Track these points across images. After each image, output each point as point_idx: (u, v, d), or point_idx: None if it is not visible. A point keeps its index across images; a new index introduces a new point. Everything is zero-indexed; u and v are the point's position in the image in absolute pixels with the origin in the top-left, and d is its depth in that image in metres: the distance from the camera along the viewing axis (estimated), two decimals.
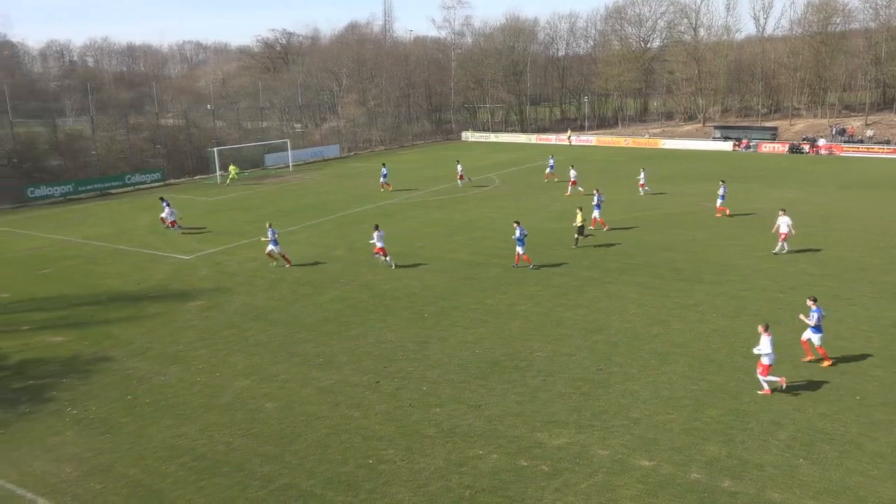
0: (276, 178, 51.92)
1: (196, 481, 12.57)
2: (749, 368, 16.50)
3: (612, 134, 78.15)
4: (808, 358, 16.98)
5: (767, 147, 63.45)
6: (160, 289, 24.48)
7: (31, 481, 12.67)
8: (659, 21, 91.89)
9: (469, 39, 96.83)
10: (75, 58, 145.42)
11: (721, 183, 34.66)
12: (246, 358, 18.15)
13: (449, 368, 17.09)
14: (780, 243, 26.81)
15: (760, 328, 15.42)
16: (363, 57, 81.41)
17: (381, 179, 44.10)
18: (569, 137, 74.96)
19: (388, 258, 26.07)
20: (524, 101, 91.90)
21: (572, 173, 41.22)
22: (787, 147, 62.20)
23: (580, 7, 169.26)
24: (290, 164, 57.60)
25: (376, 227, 26.22)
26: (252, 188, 47.39)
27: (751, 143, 64.54)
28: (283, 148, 58.85)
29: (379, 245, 25.79)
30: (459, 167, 45.24)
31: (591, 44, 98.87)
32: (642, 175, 40.88)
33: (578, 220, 28.52)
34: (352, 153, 68.11)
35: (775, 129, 70.21)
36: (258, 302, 22.65)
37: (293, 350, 18.57)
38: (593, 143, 72.03)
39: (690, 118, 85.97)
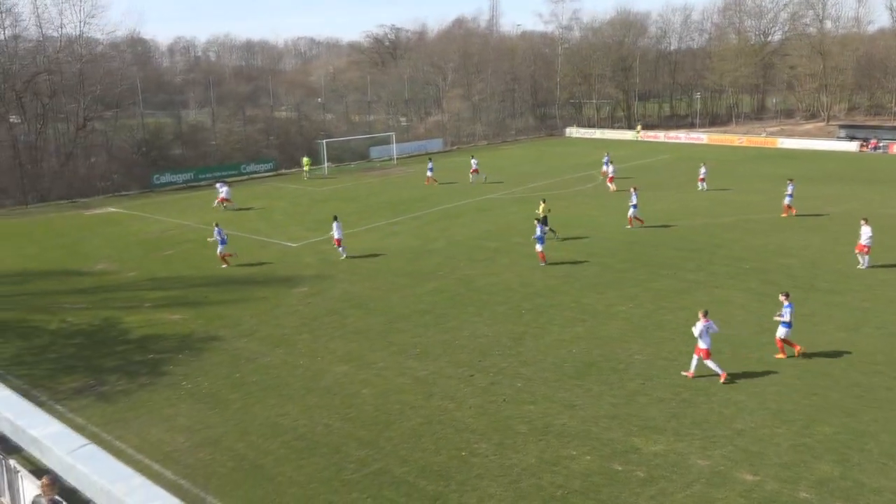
0: (381, 171, 53.10)
1: (296, 459, 13.10)
2: (870, 385, 15.39)
3: (724, 132, 74.69)
4: (798, 350, 17.10)
5: None
6: (267, 274, 25.63)
7: (148, 448, 13.61)
8: (781, 13, 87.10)
9: (577, 34, 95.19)
10: (199, 53, 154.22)
11: (789, 182, 33.39)
12: (345, 344, 18.71)
13: (543, 366, 16.94)
14: (864, 257, 24.17)
15: (700, 314, 16.02)
16: (469, 51, 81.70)
17: (428, 174, 44.96)
18: (637, 132, 72.83)
19: (341, 248, 27.41)
20: (632, 97, 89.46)
21: (610, 168, 41.71)
22: None
23: None
24: (395, 157, 58.74)
25: (335, 218, 27.62)
26: (357, 179, 48.70)
27: (880, 144, 59.94)
28: (387, 141, 60.08)
29: (336, 236, 27.17)
30: (474, 161, 45.54)
31: (706, 37, 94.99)
32: (703, 170, 40.60)
33: (541, 211, 29.27)
34: (455, 147, 68.64)
35: None
36: (358, 290, 23.28)
37: (391, 339, 18.97)
38: (704, 142, 69.11)
39: (812, 116, 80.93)
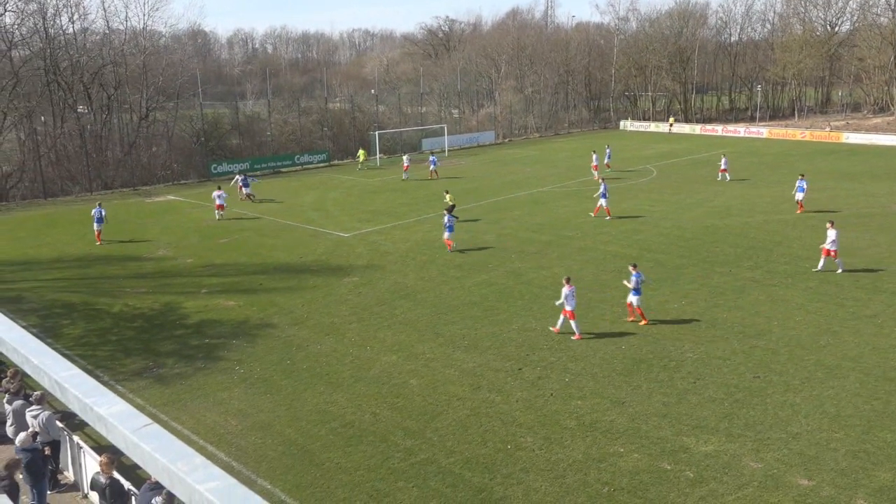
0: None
1: (343, 446, 13.32)
2: None
3: (786, 126, 72.28)
4: (630, 319, 19.16)
5: None
6: (320, 263, 26.04)
7: (203, 430, 14.04)
8: (850, 2, 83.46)
9: (633, 25, 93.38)
10: (257, 45, 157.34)
11: (800, 176, 33.12)
12: (394, 335, 18.89)
13: (592, 362, 16.78)
14: (822, 259, 23.22)
15: (564, 280, 18.31)
16: (523, 43, 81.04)
17: (431, 167, 44.36)
18: (670, 125, 71.29)
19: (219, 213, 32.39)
20: (689, 90, 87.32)
21: (596, 157, 42.84)
22: None
23: None
24: (446, 149, 58.81)
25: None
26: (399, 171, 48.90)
27: None
28: (439, 133, 60.17)
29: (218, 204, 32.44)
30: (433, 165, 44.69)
31: (769, 28, 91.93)
32: (723, 161, 41.11)
33: (448, 200, 30.99)
34: (506, 140, 68.29)
35: None
36: (408, 282, 23.45)
37: (439, 330, 19.06)
38: (764, 136, 67.04)
39: (881, 110, 77.61)
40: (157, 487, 9.32)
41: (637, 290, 18.90)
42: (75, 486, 12.52)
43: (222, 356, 17.75)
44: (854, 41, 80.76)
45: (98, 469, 10.59)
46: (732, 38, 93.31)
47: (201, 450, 13.02)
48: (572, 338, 18.04)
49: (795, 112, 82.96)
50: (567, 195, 38.08)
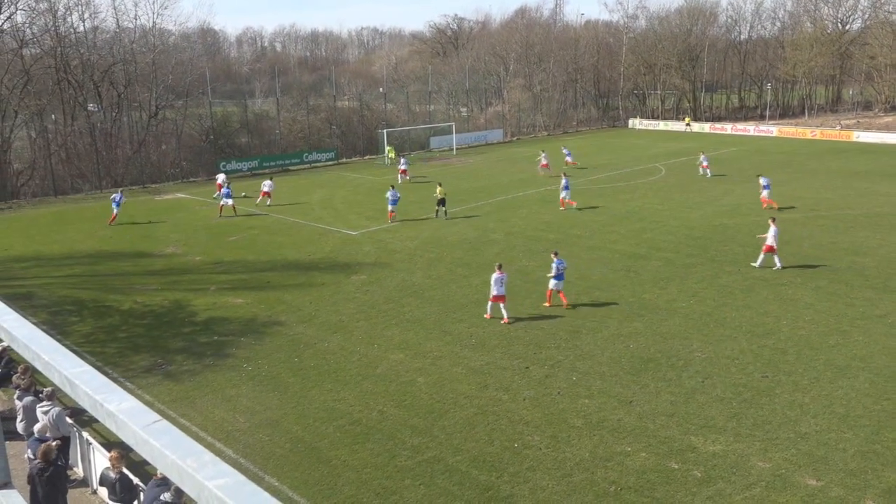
0: (440, 161, 53.22)
1: (351, 444, 13.36)
2: None
3: (796, 125, 71.86)
4: (547, 304, 20.41)
5: None
6: (328, 261, 26.10)
7: (211, 427, 14.11)
8: (862, 0, 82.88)
9: (643, 23, 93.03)
10: (266, 43, 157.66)
11: (759, 176, 34.76)
12: (401, 332, 18.92)
13: (600, 360, 16.76)
14: (775, 258, 23.38)
15: (496, 266, 19.56)
16: (531, 41, 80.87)
17: (402, 167, 43.73)
18: (687, 124, 71.30)
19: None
20: (699, 88, 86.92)
21: (545, 156, 44.02)
22: None
23: None
24: (455, 148, 58.79)
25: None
26: (417, 170, 48.91)
27: None
28: (448, 131, 60.16)
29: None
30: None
31: (779, 26, 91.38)
32: (703, 158, 42.78)
33: (438, 193, 32.29)
34: (515, 138, 68.21)
35: None
36: (416, 280, 23.48)
37: (446, 328, 19.08)
38: (774, 135, 66.67)
39: (892, 109, 77.09)
40: (164, 483, 9.39)
41: (559, 276, 20.10)
42: (84, 482, 12.62)
43: (231, 353, 17.82)
44: (865, 39, 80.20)
45: (107, 465, 10.67)
46: (742, 36, 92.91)
47: (210, 446, 13.08)
48: (501, 321, 19.14)
49: (806, 110, 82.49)
50: (575, 193, 37.95)
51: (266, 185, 36.59)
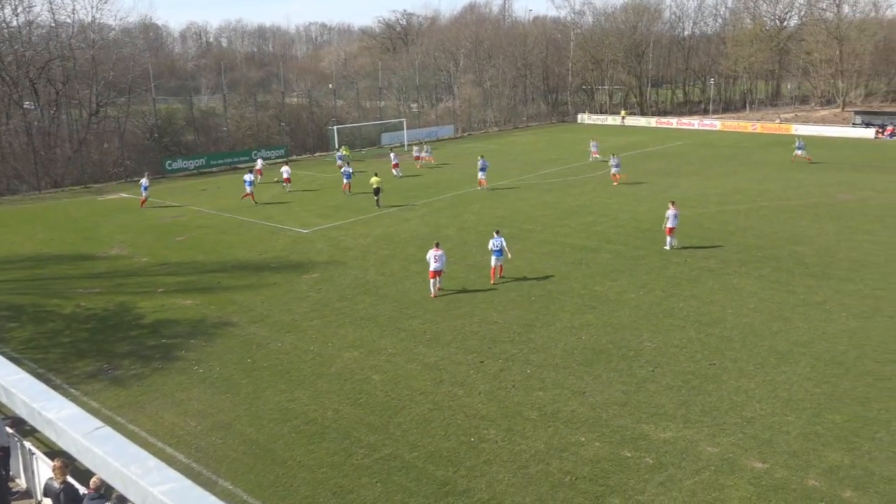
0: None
1: (306, 444, 13.22)
2: (882, 374, 15.32)
3: (738, 118, 74.00)
4: (493, 281, 22.15)
5: None
6: (279, 260, 25.74)
7: (161, 431, 13.78)
8: None
9: (590, 19, 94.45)
10: (211, 39, 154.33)
11: (612, 155, 40.31)
12: (356, 330, 18.80)
13: (553, 353, 16.96)
14: (667, 239, 25.45)
15: (434, 245, 21.24)
16: (481, 37, 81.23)
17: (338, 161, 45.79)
18: (623, 117, 73.28)
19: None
20: (645, 83, 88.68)
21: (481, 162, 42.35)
22: None
23: None
24: (406, 144, 58.65)
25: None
26: (368, 166, 48.62)
27: None
28: (399, 127, 59.97)
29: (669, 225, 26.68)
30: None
31: (721, 22, 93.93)
32: (593, 144, 47.66)
33: (374, 182, 33.79)
34: (466, 133, 68.44)
35: None
36: (369, 277, 23.35)
37: (401, 325, 19.04)
38: (717, 128, 68.51)
39: (828, 102, 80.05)
40: (100, 496, 9.04)
41: (498, 252, 21.90)
42: (28, 494, 12.17)
43: (180, 356, 17.43)
44: (802, 35, 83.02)
45: (51, 475, 10.31)
46: (686, 33, 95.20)
47: (159, 452, 12.79)
48: (430, 296, 20.92)
49: (747, 105, 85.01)
50: (527, 188, 38.35)
51: (285, 171, 39.66)
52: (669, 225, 25.23)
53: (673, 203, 25.93)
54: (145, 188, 36.09)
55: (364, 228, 29.96)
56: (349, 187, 38.25)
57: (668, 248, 25.32)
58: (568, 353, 16.91)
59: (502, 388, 15.26)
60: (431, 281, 21.21)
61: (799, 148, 46.33)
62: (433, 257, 20.98)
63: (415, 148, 50.45)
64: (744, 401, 14.40)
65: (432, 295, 21.04)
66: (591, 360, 16.50)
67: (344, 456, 12.79)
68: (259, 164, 43.70)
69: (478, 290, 21.61)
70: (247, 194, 35.89)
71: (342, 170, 39.95)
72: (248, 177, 36.59)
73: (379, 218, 31.92)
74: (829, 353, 16.60)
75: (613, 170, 38.57)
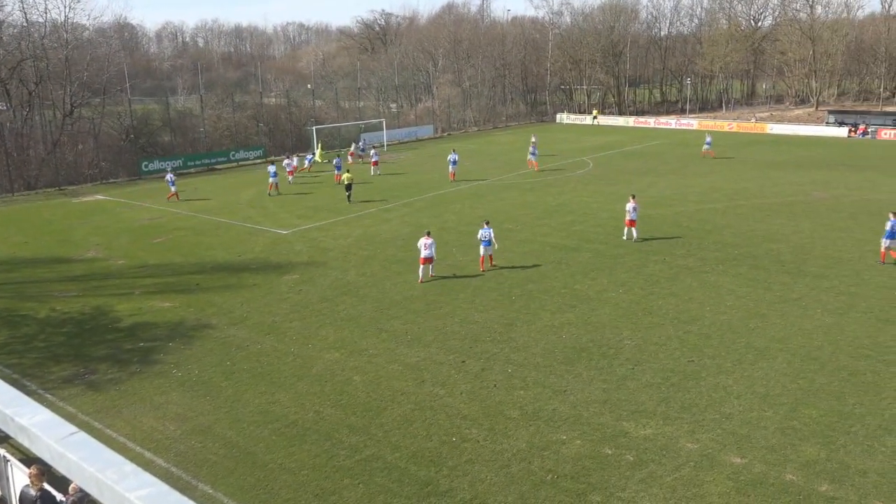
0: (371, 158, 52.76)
1: (287, 446, 13.14)
2: (856, 369, 15.57)
3: (715, 118, 74.84)
4: (483, 269, 23.18)
5: (888, 133, 59.06)
6: (259, 261, 25.56)
7: (139, 436, 13.61)
8: None
9: (567, 19, 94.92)
10: (187, 39, 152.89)
11: (532, 141, 46.16)
12: (336, 331, 18.72)
13: (534, 352, 17.02)
14: (625, 230, 26.75)
15: (426, 234, 22.48)
16: (459, 37, 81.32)
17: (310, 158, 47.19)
18: (594, 117, 74.22)
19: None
20: (623, 83, 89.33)
21: (453, 156, 42.05)
22: None
23: None
24: (385, 144, 58.50)
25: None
26: (346, 166, 48.42)
27: (869, 130, 60.23)
28: (378, 128, 59.81)
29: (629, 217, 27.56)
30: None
31: (697, 23, 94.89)
32: (533, 139, 48.64)
33: (345, 179, 35.61)
34: (445, 133, 68.43)
35: None
36: (350, 278, 23.27)
37: (382, 326, 18.99)
38: (694, 128, 69.20)
39: (802, 102, 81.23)
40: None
41: (486, 242, 22.96)
42: (3, 501, 11.96)
43: (158, 359, 17.23)
44: (776, 35, 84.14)
45: (27, 482, 10.13)
46: (663, 33, 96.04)
47: (138, 457, 12.63)
48: (418, 282, 22.05)
49: (723, 104, 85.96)
50: (507, 187, 38.44)
51: (291, 163, 41.57)
52: (629, 218, 26.41)
53: (633, 197, 26.94)
54: (172, 182, 37.12)
55: (344, 229, 29.85)
56: (340, 178, 39.64)
57: (625, 238, 26.61)
58: (549, 352, 16.98)
59: (484, 387, 15.28)
60: (422, 267, 22.28)
61: (707, 144, 49.36)
62: (423, 245, 22.09)
63: (353, 145, 51.07)
64: (722, 397, 14.56)
65: (420, 280, 22.13)
66: (571, 359, 16.57)
67: (326, 458, 12.73)
68: (295, 161, 43.45)
69: (459, 290, 21.62)
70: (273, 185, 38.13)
71: (335, 160, 42.76)
72: (271, 168, 38.62)
73: (359, 218, 31.81)
74: (805, 348, 16.84)
75: (530, 157, 43.65)
